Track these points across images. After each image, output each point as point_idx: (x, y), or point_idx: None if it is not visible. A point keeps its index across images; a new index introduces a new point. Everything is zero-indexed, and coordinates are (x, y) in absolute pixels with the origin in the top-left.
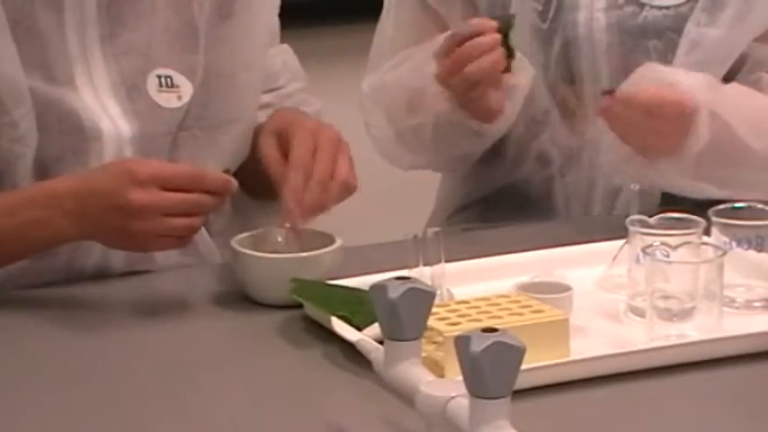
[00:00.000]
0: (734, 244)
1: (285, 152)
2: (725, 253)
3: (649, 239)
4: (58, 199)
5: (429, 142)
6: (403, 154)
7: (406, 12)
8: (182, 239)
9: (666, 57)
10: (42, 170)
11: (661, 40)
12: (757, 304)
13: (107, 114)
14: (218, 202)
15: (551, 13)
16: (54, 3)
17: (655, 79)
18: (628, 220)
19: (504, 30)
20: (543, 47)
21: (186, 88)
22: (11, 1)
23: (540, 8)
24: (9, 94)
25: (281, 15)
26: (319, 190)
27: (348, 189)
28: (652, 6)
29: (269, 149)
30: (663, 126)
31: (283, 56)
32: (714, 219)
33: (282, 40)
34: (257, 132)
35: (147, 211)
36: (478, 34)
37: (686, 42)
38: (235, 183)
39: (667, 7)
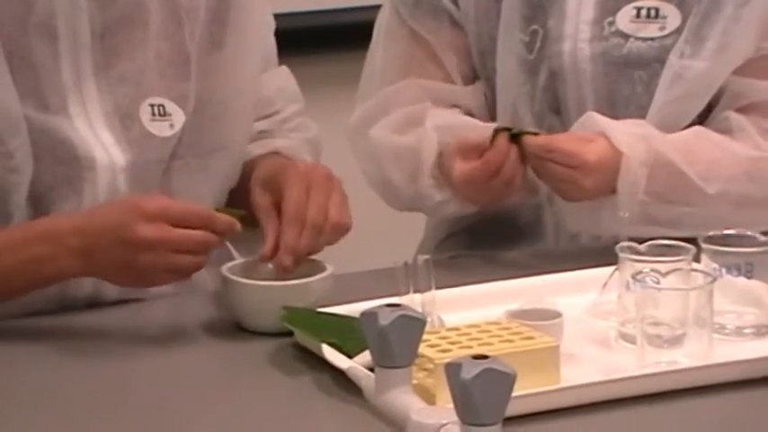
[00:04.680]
0: (723, 271)
1: (276, 199)
2: (715, 280)
3: (639, 266)
4: (62, 236)
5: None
6: (394, 196)
7: (395, 42)
8: (184, 275)
9: (651, 87)
10: (36, 199)
11: (646, 70)
12: (747, 331)
13: (100, 143)
14: (222, 243)
15: (537, 44)
16: (48, 32)
17: (590, 129)
18: (618, 246)
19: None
20: (530, 77)
21: (178, 116)
22: (5, 30)
23: (527, 39)
24: (5, 124)
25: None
26: (313, 234)
27: (341, 230)
28: (636, 38)
29: (259, 198)
30: (554, 173)
31: (279, 80)
32: (704, 245)
33: None
34: (249, 172)
35: (155, 246)
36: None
37: (669, 74)
38: (239, 226)
39: (652, 39)
